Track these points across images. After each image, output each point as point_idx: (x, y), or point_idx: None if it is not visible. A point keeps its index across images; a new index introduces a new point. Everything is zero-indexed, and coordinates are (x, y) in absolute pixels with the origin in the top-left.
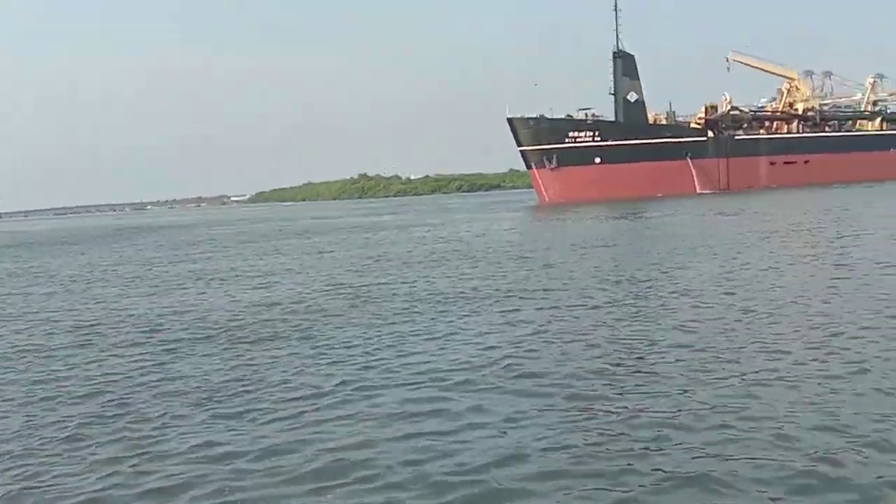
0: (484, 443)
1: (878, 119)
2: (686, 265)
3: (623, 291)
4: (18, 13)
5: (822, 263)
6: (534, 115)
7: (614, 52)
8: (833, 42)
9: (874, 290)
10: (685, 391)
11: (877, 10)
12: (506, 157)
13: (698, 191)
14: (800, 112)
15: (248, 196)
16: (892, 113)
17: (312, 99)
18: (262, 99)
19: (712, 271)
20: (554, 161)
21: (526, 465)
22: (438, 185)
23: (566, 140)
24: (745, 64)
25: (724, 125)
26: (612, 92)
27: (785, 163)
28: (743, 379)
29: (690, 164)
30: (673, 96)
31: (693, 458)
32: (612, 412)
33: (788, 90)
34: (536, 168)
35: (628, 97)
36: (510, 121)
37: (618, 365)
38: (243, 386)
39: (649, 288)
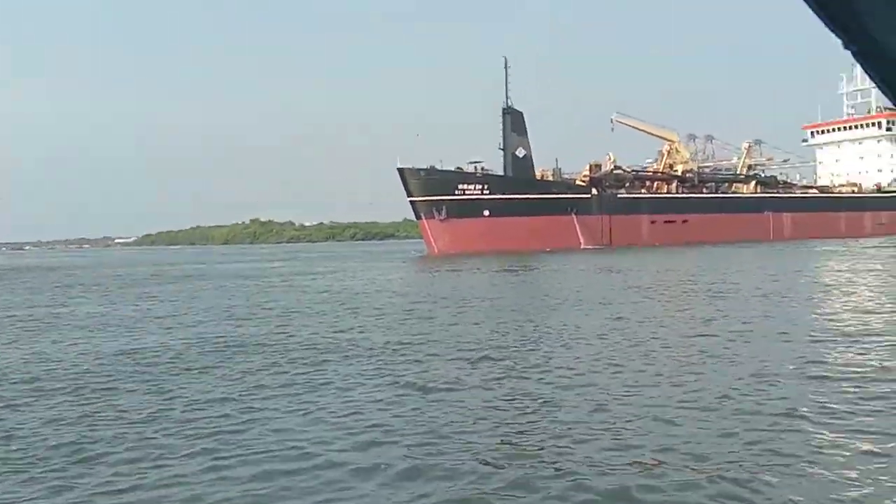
0: None
1: (753, 182)
2: (562, 319)
3: (497, 344)
4: None
5: (683, 318)
6: (424, 167)
7: (504, 109)
8: (719, 107)
9: (723, 347)
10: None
11: (760, 81)
12: (400, 206)
13: (582, 246)
14: (679, 173)
15: (133, 238)
16: (766, 177)
17: (205, 140)
18: (150, 139)
19: (584, 324)
20: (443, 212)
21: None
22: (332, 232)
23: (456, 192)
24: (628, 125)
25: (607, 183)
26: (502, 147)
27: (665, 222)
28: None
29: (575, 219)
30: (560, 153)
31: None
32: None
33: (669, 152)
34: (426, 219)
35: (517, 152)
36: (401, 171)
37: (482, 419)
38: (76, 447)
39: (524, 340)
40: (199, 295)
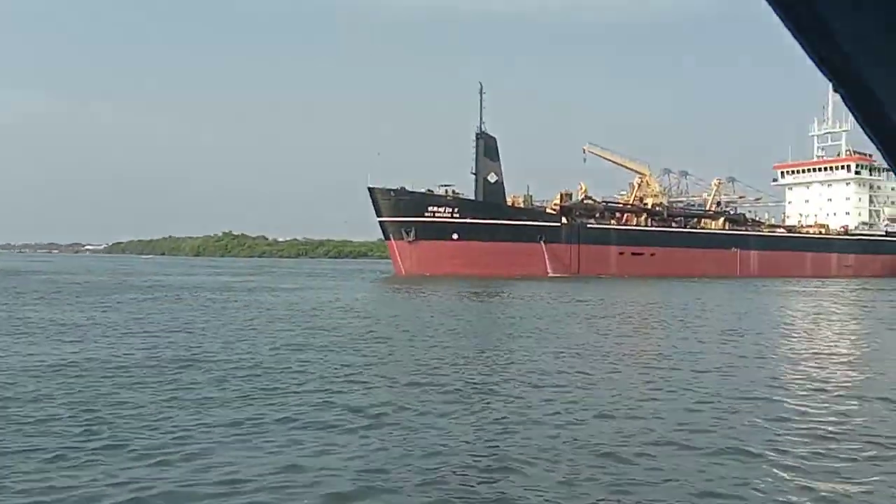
0: None
1: (722, 219)
2: (515, 347)
3: (445, 371)
4: None
5: (636, 354)
6: (395, 187)
7: (477, 133)
8: (696, 144)
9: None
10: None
11: (736, 119)
12: (376, 226)
13: (550, 274)
14: (649, 206)
15: (104, 245)
16: (735, 214)
17: (178, 151)
18: (126, 147)
19: (538, 354)
20: (412, 234)
21: None
22: (305, 248)
23: (425, 214)
24: (600, 156)
25: (577, 213)
26: (474, 171)
27: (633, 253)
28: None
29: (544, 247)
30: (532, 180)
31: None
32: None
33: (640, 185)
34: (394, 240)
35: (489, 178)
36: (371, 190)
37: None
38: None
39: (475, 367)
40: (154, 307)
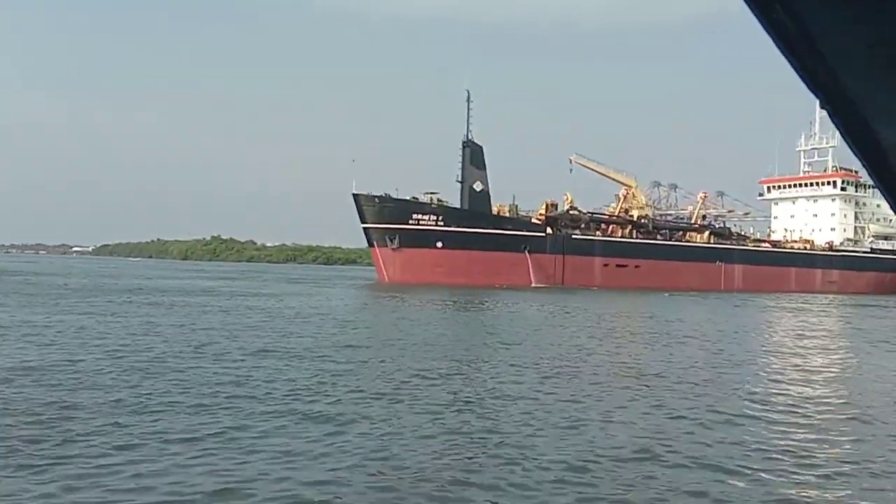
0: None
1: (707, 232)
2: (491, 358)
3: (417, 382)
4: None
5: (612, 367)
6: (379, 194)
7: (464, 142)
8: (687, 157)
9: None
10: None
11: (726, 133)
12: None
13: (533, 284)
14: (634, 218)
15: (91, 247)
16: (720, 227)
17: (169, 154)
18: (114, 150)
19: (517, 366)
20: (396, 241)
21: None
22: (294, 254)
23: (410, 221)
24: (586, 167)
25: (562, 223)
26: (460, 180)
27: (617, 265)
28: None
29: (528, 257)
30: (518, 189)
31: None
32: None
33: (626, 196)
34: (378, 247)
35: (474, 186)
36: (355, 197)
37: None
38: None
39: (448, 378)
40: (126, 311)
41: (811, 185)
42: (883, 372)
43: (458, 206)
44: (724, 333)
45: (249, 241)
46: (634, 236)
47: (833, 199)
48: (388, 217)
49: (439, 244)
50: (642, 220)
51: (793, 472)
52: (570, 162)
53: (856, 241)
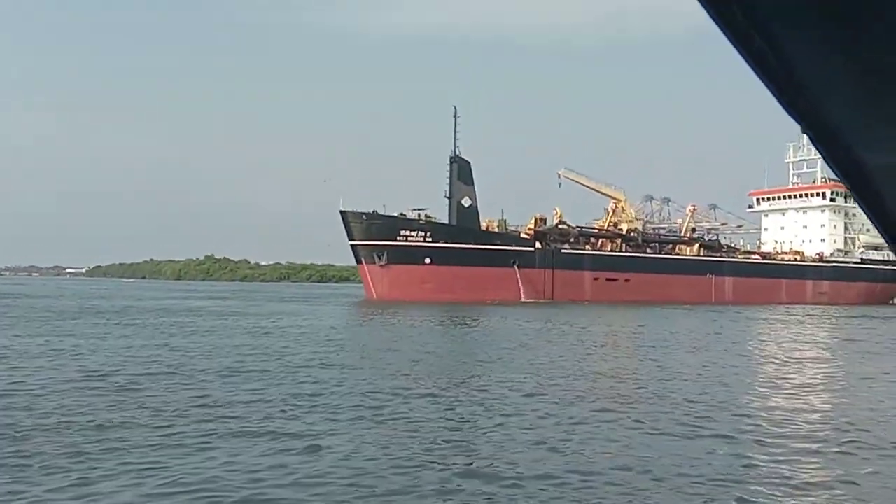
0: None
1: (697, 245)
2: (480, 376)
3: (398, 405)
4: None
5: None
6: (367, 210)
7: (451, 157)
8: (680, 170)
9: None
10: None
11: (719, 146)
12: None
13: (523, 299)
14: (623, 232)
15: (85, 269)
16: (709, 240)
17: (161, 174)
18: (111, 170)
19: (505, 387)
20: (384, 258)
21: None
22: (288, 272)
23: (398, 238)
24: (574, 181)
25: (551, 238)
26: (448, 195)
27: (607, 279)
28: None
29: (517, 272)
30: (508, 204)
31: None
32: None
33: (615, 210)
34: (366, 263)
35: (462, 202)
36: (343, 214)
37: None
38: None
39: (430, 400)
40: (111, 332)
41: (800, 196)
42: (872, 383)
43: (446, 221)
44: (714, 347)
45: (243, 261)
46: (624, 250)
47: (823, 211)
48: (375, 234)
49: (427, 260)
50: (632, 234)
51: (778, 485)
52: (559, 176)
53: (846, 252)
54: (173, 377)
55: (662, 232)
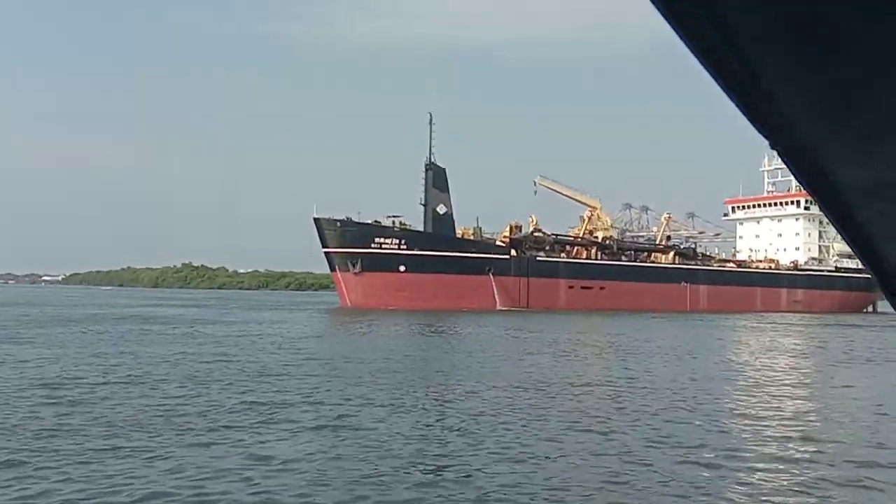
0: None
1: (672, 253)
2: (450, 385)
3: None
4: None
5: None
6: (341, 217)
7: (426, 164)
8: (659, 178)
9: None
10: None
11: (697, 155)
12: None
13: (498, 307)
14: (599, 240)
15: (61, 276)
16: (684, 248)
17: (140, 181)
18: (86, 177)
19: (473, 399)
20: (358, 265)
21: None
22: (267, 280)
23: (372, 245)
24: (550, 189)
25: (527, 245)
26: (423, 203)
27: (582, 287)
28: None
29: (492, 280)
30: (484, 211)
31: None
32: None
33: (590, 218)
34: (340, 271)
35: (438, 209)
36: (317, 221)
37: None
38: None
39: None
40: (74, 340)
41: (775, 204)
42: (843, 391)
43: (421, 229)
44: (686, 355)
45: (221, 268)
46: (599, 258)
47: (797, 219)
48: (349, 241)
49: (402, 268)
50: (607, 242)
51: (745, 493)
52: (535, 184)
53: (820, 261)
54: (128, 386)
55: (641, 240)
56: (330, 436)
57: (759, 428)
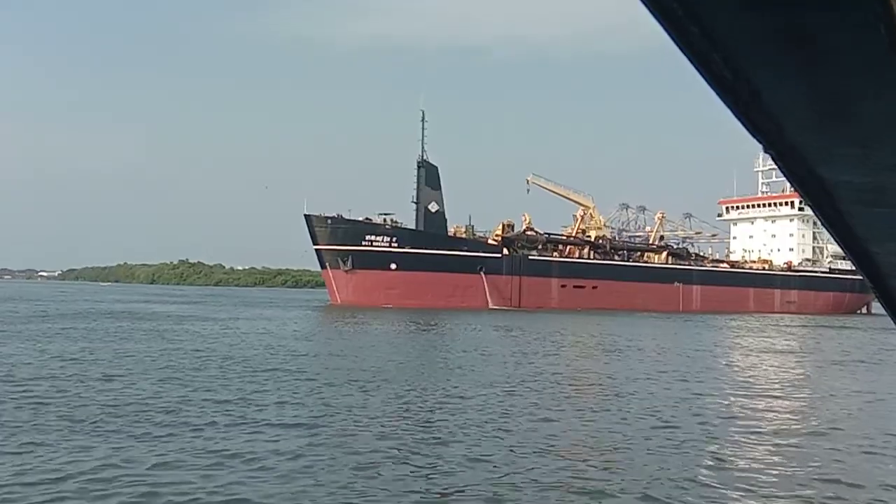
0: None
1: (665, 253)
2: (438, 386)
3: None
4: None
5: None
6: (332, 215)
7: (419, 162)
8: (657, 179)
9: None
10: None
11: (693, 155)
12: None
13: (490, 306)
14: (591, 239)
15: (58, 272)
16: (678, 248)
17: (137, 178)
18: (83, 173)
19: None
20: (349, 263)
21: None
22: (263, 277)
23: (363, 243)
24: (543, 187)
25: (519, 244)
26: (415, 200)
27: (575, 286)
28: None
29: (484, 278)
30: (476, 209)
31: None
32: None
33: (583, 217)
34: (331, 269)
35: (430, 207)
36: (307, 217)
37: None
38: None
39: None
40: (58, 336)
41: (769, 205)
42: (833, 392)
43: (413, 227)
44: (677, 355)
45: (218, 265)
46: (592, 257)
47: (791, 220)
48: (340, 238)
49: (393, 266)
50: (600, 241)
51: (737, 487)
52: (528, 182)
53: (814, 262)
54: (110, 382)
55: (638, 240)
56: (305, 434)
57: (746, 426)
